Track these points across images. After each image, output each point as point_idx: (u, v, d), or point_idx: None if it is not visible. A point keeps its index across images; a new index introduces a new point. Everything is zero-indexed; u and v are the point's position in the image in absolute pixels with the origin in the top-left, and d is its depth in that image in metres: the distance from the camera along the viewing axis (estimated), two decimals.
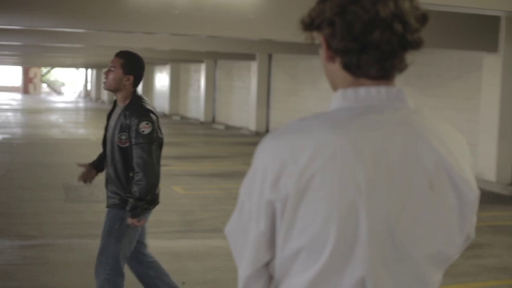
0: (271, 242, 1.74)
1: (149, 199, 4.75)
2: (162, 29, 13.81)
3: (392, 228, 1.67)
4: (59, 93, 74.51)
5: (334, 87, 1.80)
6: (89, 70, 61.31)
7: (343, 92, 1.75)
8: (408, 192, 1.69)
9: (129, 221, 4.73)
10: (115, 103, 4.99)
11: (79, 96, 67.03)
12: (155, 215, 9.55)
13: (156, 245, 7.87)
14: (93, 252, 7.42)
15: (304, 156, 1.64)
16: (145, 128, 4.73)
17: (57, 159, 15.96)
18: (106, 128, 4.98)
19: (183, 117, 33.17)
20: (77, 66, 57.14)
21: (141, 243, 5.17)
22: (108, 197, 4.90)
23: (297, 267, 1.70)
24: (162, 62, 35.35)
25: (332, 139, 1.65)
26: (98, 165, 5.18)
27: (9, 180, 12.56)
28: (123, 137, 4.77)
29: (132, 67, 4.88)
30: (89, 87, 63.06)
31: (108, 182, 4.92)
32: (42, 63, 55.72)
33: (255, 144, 21.08)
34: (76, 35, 20.03)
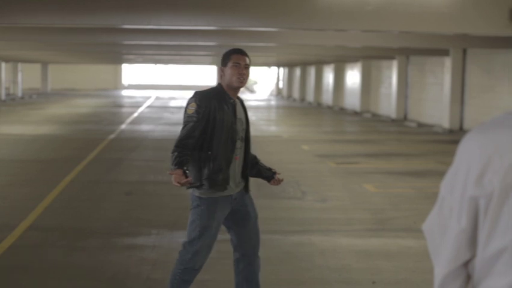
0: (472, 240, 1.65)
1: None
2: (354, 26, 13.74)
3: None
4: (252, 91, 76.44)
5: None
6: (281, 68, 62.41)
7: None
8: None
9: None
10: (227, 98, 4.90)
11: (271, 94, 68.40)
12: (346, 213, 9.57)
13: (347, 243, 7.82)
14: (285, 249, 7.50)
15: (511, 152, 1.53)
16: None
17: None
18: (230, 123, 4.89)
19: (374, 115, 32.93)
20: (268, 64, 58.40)
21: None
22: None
23: (499, 268, 1.60)
24: (353, 59, 35.30)
25: None
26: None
27: None
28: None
29: None
30: (280, 86, 64.19)
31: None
32: None
33: (448, 142, 20.52)
34: (268, 34, 20.42)
